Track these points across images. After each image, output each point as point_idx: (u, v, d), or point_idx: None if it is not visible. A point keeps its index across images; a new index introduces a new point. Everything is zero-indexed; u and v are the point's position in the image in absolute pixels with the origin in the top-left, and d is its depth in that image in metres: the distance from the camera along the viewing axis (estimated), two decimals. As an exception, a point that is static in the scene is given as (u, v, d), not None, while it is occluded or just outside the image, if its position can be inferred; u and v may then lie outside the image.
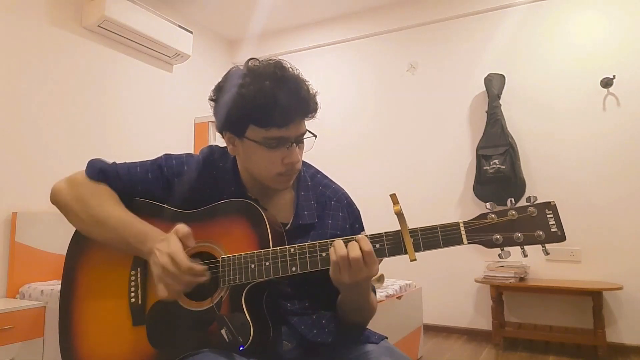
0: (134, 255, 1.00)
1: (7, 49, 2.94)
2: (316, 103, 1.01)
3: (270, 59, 1.00)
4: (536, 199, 0.83)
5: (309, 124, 1.03)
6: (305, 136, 1.02)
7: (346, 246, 0.88)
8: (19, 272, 2.79)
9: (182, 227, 0.95)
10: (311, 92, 1.00)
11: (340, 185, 1.18)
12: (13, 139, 2.93)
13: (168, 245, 0.92)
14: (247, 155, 1.03)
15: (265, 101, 0.93)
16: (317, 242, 0.92)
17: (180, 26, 3.92)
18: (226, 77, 1.02)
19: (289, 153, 0.99)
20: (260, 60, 1.01)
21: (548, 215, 0.82)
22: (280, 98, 0.93)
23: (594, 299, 3.04)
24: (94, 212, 1.01)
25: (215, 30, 4.72)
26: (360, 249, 0.88)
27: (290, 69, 0.99)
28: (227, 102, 0.98)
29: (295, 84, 0.97)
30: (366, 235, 0.90)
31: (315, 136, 1.03)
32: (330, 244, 0.90)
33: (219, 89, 1.02)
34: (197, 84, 4.37)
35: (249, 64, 1.00)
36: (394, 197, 0.88)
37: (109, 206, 1.02)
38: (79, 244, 1.09)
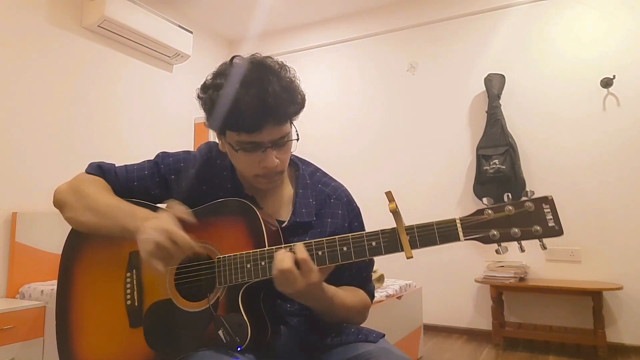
0: (123, 236, 0.96)
1: (7, 48, 2.94)
2: (289, 107, 0.95)
3: (255, 56, 0.99)
4: (533, 194, 0.82)
5: (297, 123, 1.01)
6: (291, 137, 1.00)
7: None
8: (19, 272, 2.79)
9: (175, 204, 0.95)
10: (285, 95, 0.93)
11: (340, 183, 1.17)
12: (13, 139, 2.93)
13: (160, 221, 0.89)
14: (230, 153, 1.03)
15: (233, 107, 0.92)
16: (312, 240, 0.90)
17: (180, 26, 3.93)
18: (211, 75, 1.01)
19: (264, 157, 0.96)
20: (244, 58, 0.99)
21: (545, 210, 0.81)
22: (246, 104, 0.90)
23: (594, 299, 3.04)
24: (87, 201, 1.00)
25: (215, 30, 4.72)
26: (295, 257, 0.86)
27: (269, 69, 0.95)
28: (206, 103, 0.98)
29: (263, 89, 0.91)
30: (364, 233, 0.88)
31: (297, 139, 1.01)
32: (327, 243, 0.89)
33: (203, 87, 1.01)
34: (197, 84, 4.23)
35: (233, 61, 0.99)
36: (389, 195, 0.86)
37: (101, 195, 1.02)
38: (73, 248, 1.09)
